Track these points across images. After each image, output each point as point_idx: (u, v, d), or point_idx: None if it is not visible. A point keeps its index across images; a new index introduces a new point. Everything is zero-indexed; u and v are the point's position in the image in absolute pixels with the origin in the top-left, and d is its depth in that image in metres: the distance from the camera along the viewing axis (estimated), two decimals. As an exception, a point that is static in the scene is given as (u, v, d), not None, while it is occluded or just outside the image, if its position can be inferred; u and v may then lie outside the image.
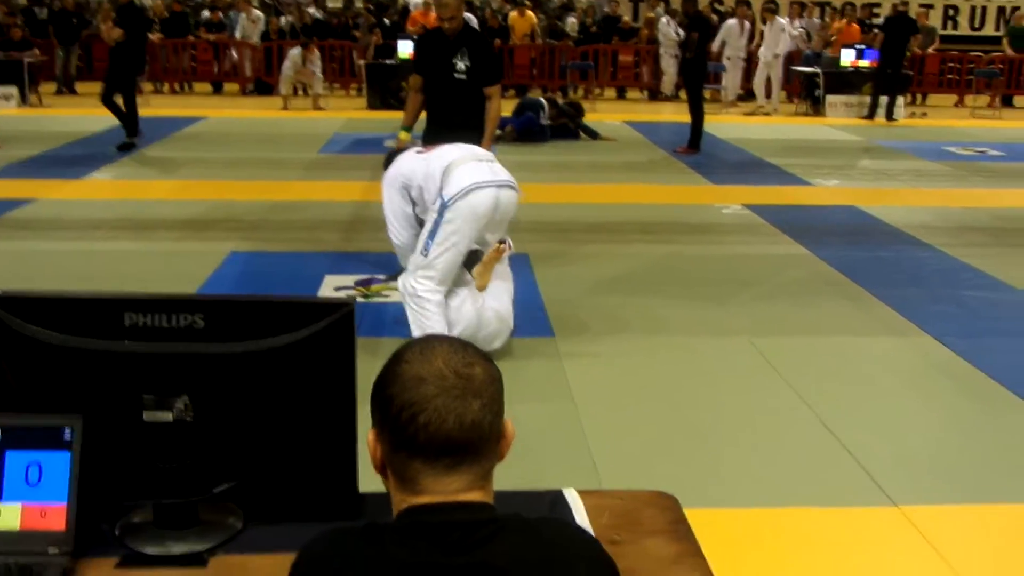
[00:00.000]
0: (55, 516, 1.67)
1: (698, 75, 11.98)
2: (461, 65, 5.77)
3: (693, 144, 11.80)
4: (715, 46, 14.51)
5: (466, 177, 4.59)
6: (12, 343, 1.71)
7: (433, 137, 5.33)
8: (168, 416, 1.70)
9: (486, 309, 4.81)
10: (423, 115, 6.21)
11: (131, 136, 11.26)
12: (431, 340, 1.38)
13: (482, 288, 4.85)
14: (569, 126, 12.78)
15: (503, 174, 4.75)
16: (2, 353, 1.73)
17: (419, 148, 5.13)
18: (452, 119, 5.69)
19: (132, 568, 1.68)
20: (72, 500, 1.67)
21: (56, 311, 1.71)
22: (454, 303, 4.75)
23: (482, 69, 5.82)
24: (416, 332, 4.63)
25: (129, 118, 11.22)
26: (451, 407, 1.28)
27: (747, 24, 15.91)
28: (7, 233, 7.47)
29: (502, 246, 4.87)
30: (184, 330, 1.69)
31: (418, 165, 4.81)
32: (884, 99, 15.32)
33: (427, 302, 4.63)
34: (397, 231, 4.94)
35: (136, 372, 1.70)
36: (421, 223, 4.79)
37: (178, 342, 1.69)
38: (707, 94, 13.44)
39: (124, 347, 1.69)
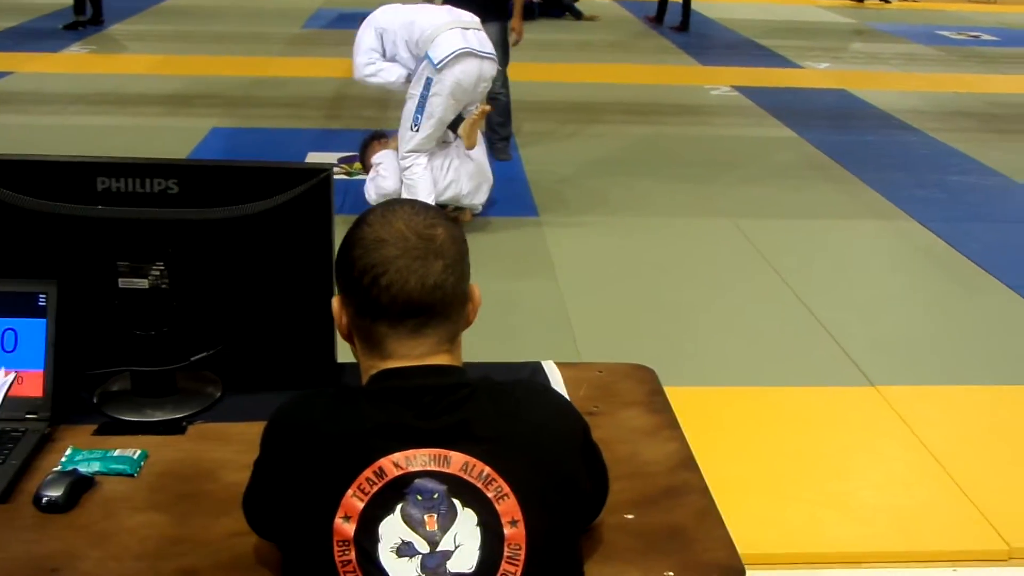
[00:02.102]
0: (32, 382, 1.66)
1: None
2: None
3: (683, 24, 11.67)
4: None
5: (454, 42, 4.57)
6: (-17, 207, 1.68)
7: (458, 6, 5.19)
8: (144, 283, 1.68)
9: (467, 164, 4.87)
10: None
11: (80, 14, 10.61)
12: (393, 203, 1.36)
13: (471, 147, 4.86)
14: (560, 3, 12.52)
15: (488, 46, 4.73)
16: (-27, 218, 1.70)
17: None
18: None
19: (110, 435, 1.68)
20: (49, 367, 1.66)
21: (28, 174, 1.68)
22: (437, 163, 4.81)
23: None
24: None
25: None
26: (413, 268, 1.26)
27: None
28: (-17, 106, 7.33)
29: (486, 106, 4.87)
30: (158, 195, 1.66)
31: (397, 14, 4.76)
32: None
33: (415, 175, 4.72)
34: (365, 59, 4.79)
35: (110, 238, 1.67)
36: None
37: (152, 207, 1.66)
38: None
39: (97, 212, 1.66)
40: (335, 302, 1.36)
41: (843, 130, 7.53)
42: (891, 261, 4.98)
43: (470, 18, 4.79)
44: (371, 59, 4.74)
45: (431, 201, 4.65)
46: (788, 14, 13.92)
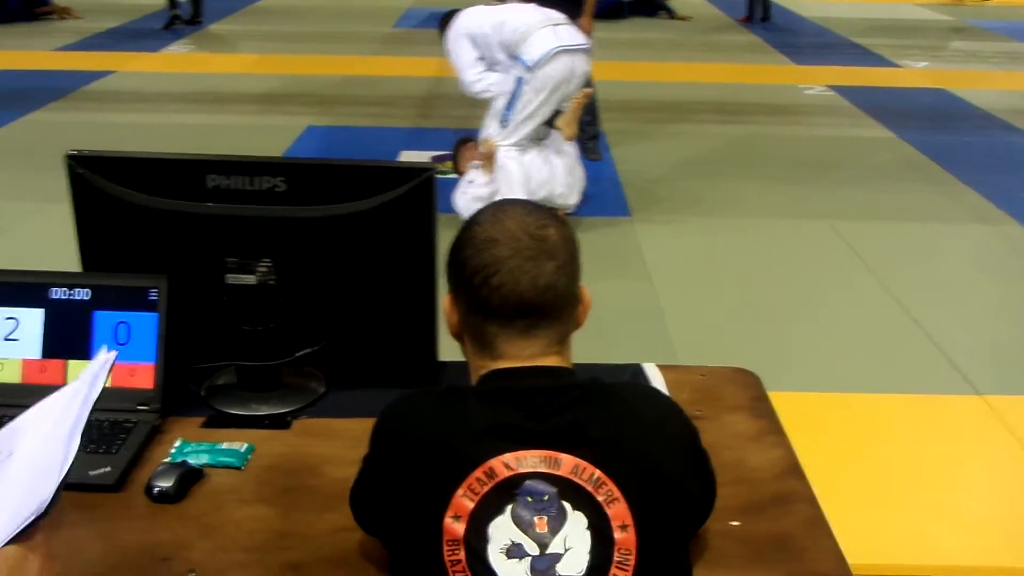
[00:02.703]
0: (143, 375, 1.69)
1: None
2: None
3: (763, 15, 11.59)
4: None
5: (547, 41, 4.56)
6: (97, 203, 1.72)
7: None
8: (251, 279, 1.70)
9: (561, 164, 4.84)
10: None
11: (174, 8, 10.78)
12: (504, 203, 1.36)
13: (571, 137, 4.86)
14: (653, 1, 12.46)
15: (579, 37, 4.72)
16: (87, 213, 1.74)
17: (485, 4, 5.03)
18: None
19: (218, 428, 1.70)
20: (160, 359, 1.69)
21: (140, 172, 1.71)
22: (530, 160, 4.77)
23: None
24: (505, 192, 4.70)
25: None
26: (524, 268, 1.26)
27: None
28: (88, 105, 7.55)
29: (588, 90, 4.86)
30: (266, 193, 1.68)
31: (485, 17, 4.75)
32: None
33: (508, 169, 4.69)
34: (473, 77, 4.79)
35: (219, 234, 1.69)
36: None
37: (260, 205, 1.68)
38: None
39: (207, 209, 1.68)
40: (446, 301, 1.36)
41: (943, 130, 7.34)
42: (996, 266, 4.84)
43: (558, 15, 4.78)
44: (479, 75, 4.74)
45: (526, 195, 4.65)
46: (884, 12, 13.62)
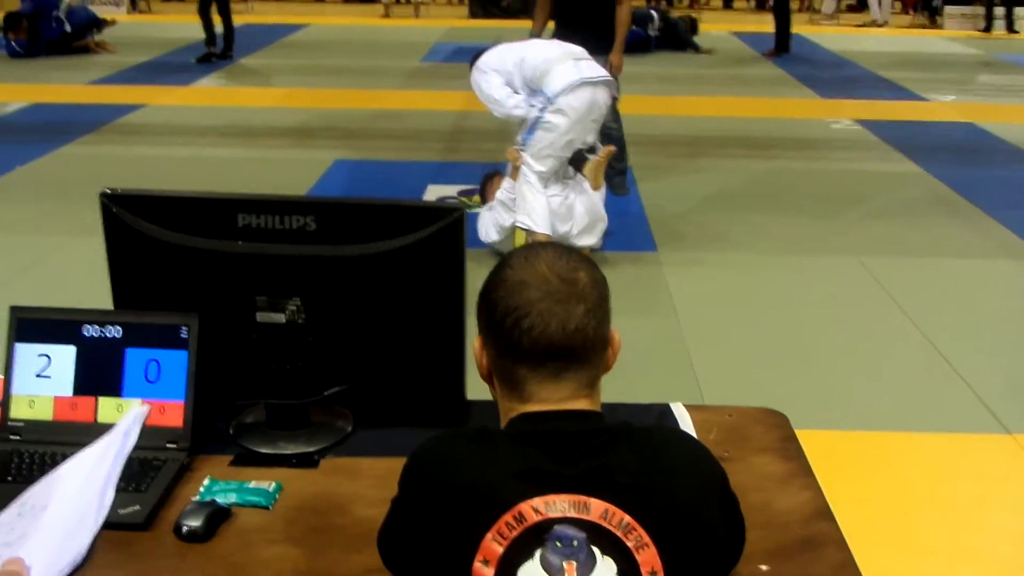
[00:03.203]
0: (173, 413, 1.70)
1: None
2: None
3: (780, 46, 11.66)
4: None
5: (567, 74, 4.58)
6: (129, 241, 1.73)
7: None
8: (280, 318, 1.71)
9: (581, 203, 4.85)
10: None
11: (211, 45, 10.93)
12: (536, 247, 1.36)
13: (596, 187, 4.87)
14: (680, 37, 12.53)
15: (599, 70, 4.74)
16: (120, 250, 1.76)
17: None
18: (581, 25, 5.59)
19: (246, 467, 1.71)
20: (189, 398, 1.70)
21: (172, 210, 1.73)
22: (552, 196, 4.79)
23: None
24: (521, 216, 4.72)
25: (225, 30, 11.04)
26: (555, 311, 1.26)
27: None
28: (120, 138, 7.64)
29: (611, 147, 4.90)
30: (296, 232, 1.69)
31: (508, 54, 4.79)
32: (1002, 10, 14.57)
33: (530, 194, 4.71)
34: (511, 101, 4.78)
35: (249, 273, 1.71)
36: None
37: (290, 244, 1.69)
38: (794, 4, 13.05)
39: (238, 247, 1.70)
40: (476, 342, 1.36)
41: (971, 165, 7.30)
42: (1025, 302, 4.80)
43: (579, 50, 4.81)
44: (511, 99, 4.75)
45: (545, 227, 4.66)
46: (912, 46, 13.62)
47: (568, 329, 1.26)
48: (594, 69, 4.71)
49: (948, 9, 15.26)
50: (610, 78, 4.80)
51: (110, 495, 1.53)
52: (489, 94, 4.80)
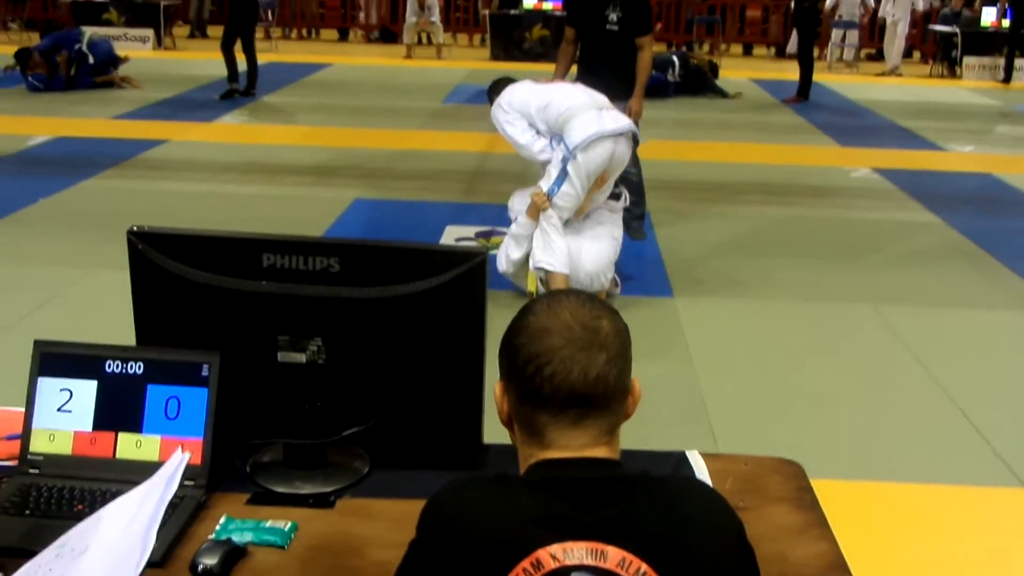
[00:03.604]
0: (192, 450, 1.72)
1: (811, 24, 12.04)
2: (613, 16, 5.71)
3: (802, 93, 11.81)
4: (829, 2, 14.02)
5: (589, 125, 4.59)
6: (155, 278, 1.76)
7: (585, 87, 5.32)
8: (301, 358, 1.73)
9: (589, 251, 4.83)
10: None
11: (234, 82, 11.03)
12: (559, 294, 1.38)
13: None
14: (704, 81, 12.62)
15: (622, 120, 4.76)
16: (144, 288, 1.78)
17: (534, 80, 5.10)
18: (604, 70, 5.65)
19: (262, 505, 1.71)
20: (208, 435, 1.72)
21: (198, 249, 1.75)
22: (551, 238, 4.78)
23: (634, 20, 5.76)
24: (539, 254, 4.73)
25: (249, 68, 11.16)
26: (576, 359, 1.28)
27: None
28: (144, 173, 7.72)
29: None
30: (320, 273, 1.71)
31: (532, 96, 4.82)
32: (1021, 62, 14.61)
33: (552, 241, 4.72)
34: (536, 146, 4.81)
35: (272, 313, 1.73)
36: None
37: (314, 285, 1.71)
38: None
39: (262, 287, 1.72)
40: (497, 388, 1.38)
41: (989, 215, 7.31)
42: (1043, 355, 4.78)
43: (603, 99, 4.84)
44: (535, 139, 4.77)
45: (564, 267, 4.68)
46: (931, 96, 13.66)
47: (589, 377, 1.28)
48: (616, 120, 4.71)
49: (967, 60, 15.31)
50: (632, 128, 4.81)
51: (151, 540, 1.54)
52: (515, 139, 4.84)
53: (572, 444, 1.29)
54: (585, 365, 1.27)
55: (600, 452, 1.30)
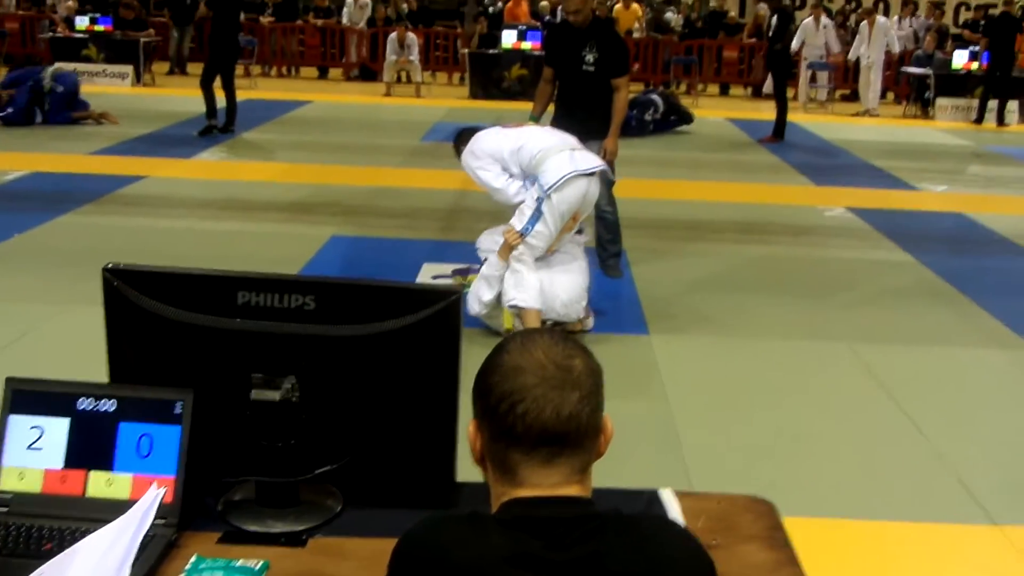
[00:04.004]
0: (163, 488, 1.71)
1: (784, 66, 12.33)
2: (590, 57, 5.78)
3: (777, 133, 12.01)
4: (794, 45, 14.20)
5: (563, 165, 4.67)
6: (129, 315, 1.76)
7: (561, 126, 5.38)
8: (275, 395, 1.72)
9: (562, 284, 4.89)
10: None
11: (213, 119, 10.97)
12: (533, 333, 1.39)
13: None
14: (680, 111, 12.87)
15: (594, 160, 4.84)
16: (119, 325, 1.78)
17: (501, 125, 5.15)
18: (580, 110, 5.72)
19: (233, 544, 1.71)
20: (180, 473, 1.71)
21: (173, 286, 1.76)
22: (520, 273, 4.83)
23: (610, 61, 5.82)
24: (511, 292, 4.77)
25: (228, 104, 11.14)
26: (549, 397, 1.28)
27: (824, 21, 15.43)
28: (120, 209, 7.71)
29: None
30: (295, 311, 1.72)
31: (504, 141, 4.88)
32: (994, 103, 14.83)
33: (523, 279, 4.78)
34: (511, 189, 4.86)
35: (246, 350, 1.73)
36: None
37: (289, 322, 1.72)
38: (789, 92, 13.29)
39: (236, 325, 1.72)
40: (471, 426, 1.38)
41: (962, 255, 7.39)
42: (1015, 393, 4.82)
43: (574, 140, 4.91)
44: (511, 186, 4.82)
45: (537, 303, 4.71)
46: (904, 136, 13.83)
47: (562, 415, 1.28)
48: (588, 160, 4.80)
49: (940, 101, 15.52)
50: (604, 167, 4.88)
51: (126, 574, 1.53)
52: (489, 184, 4.88)
53: (544, 482, 1.30)
54: (558, 404, 1.28)
55: (572, 490, 1.31)
